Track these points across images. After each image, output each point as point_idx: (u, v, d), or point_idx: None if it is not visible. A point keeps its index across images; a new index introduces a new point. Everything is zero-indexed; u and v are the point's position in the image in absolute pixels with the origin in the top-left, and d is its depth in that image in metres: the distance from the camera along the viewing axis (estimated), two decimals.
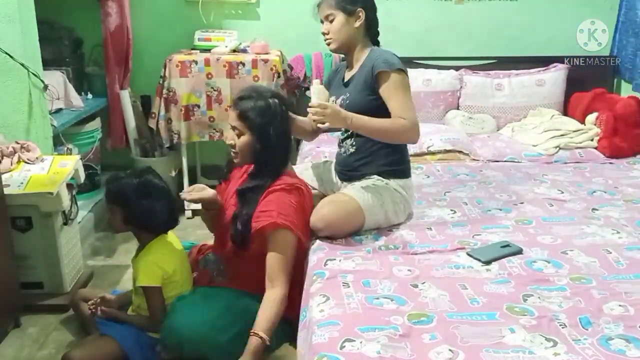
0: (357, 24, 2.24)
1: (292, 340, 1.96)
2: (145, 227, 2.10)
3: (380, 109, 2.15)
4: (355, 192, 2.18)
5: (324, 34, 2.29)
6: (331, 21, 2.24)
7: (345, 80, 2.33)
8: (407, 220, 2.28)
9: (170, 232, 2.17)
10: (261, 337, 1.87)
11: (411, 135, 2.16)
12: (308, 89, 3.59)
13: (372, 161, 2.26)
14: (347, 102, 2.26)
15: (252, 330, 1.89)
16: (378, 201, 2.16)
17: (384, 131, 2.14)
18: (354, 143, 2.29)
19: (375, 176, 2.25)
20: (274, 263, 1.96)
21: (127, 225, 2.10)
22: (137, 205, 2.04)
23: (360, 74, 2.25)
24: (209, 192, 2.15)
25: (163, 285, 2.07)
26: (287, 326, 2.03)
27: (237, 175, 2.24)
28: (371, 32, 2.31)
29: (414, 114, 2.14)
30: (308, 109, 2.08)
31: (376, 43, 2.34)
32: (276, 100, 2.07)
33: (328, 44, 2.29)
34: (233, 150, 2.09)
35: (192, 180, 3.48)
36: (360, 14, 2.23)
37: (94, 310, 2.14)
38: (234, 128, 2.06)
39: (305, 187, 2.15)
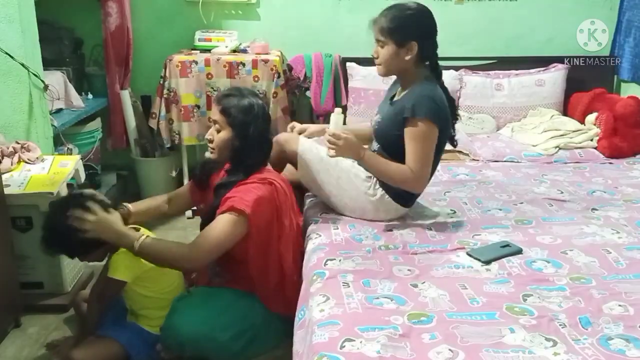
0: (408, 56, 2.12)
1: (288, 337, 1.96)
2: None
3: (403, 147, 2.12)
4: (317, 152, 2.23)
5: (372, 56, 2.20)
6: (382, 46, 2.15)
7: (394, 99, 2.26)
8: (406, 220, 2.29)
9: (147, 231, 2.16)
10: (139, 240, 1.86)
11: (412, 187, 2.17)
12: (308, 89, 3.60)
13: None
14: (377, 127, 2.25)
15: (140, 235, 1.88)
16: (327, 174, 2.21)
17: (389, 177, 2.14)
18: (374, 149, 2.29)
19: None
20: (208, 229, 1.93)
21: (98, 249, 2.04)
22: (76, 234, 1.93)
23: (399, 105, 2.17)
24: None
25: (146, 283, 2.06)
26: (282, 323, 2.04)
27: (216, 178, 2.22)
28: (427, 62, 2.19)
29: (424, 167, 2.10)
30: (325, 137, 2.07)
31: (436, 70, 2.20)
32: (259, 101, 2.07)
33: (377, 68, 2.22)
34: (210, 145, 2.09)
35: None
36: (413, 46, 2.11)
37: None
38: (214, 122, 2.07)
39: (282, 182, 2.12)
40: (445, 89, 2.22)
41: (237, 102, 2.03)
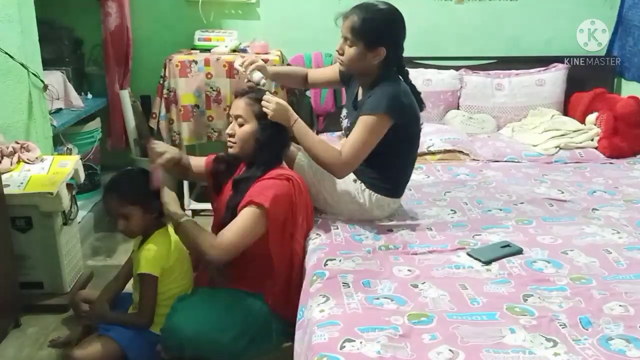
0: (375, 60, 2.11)
1: (289, 338, 1.96)
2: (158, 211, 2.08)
3: (378, 145, 2.10)
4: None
5: (337, 51, 2.17)
6: (350, 45, 2.11)
7: (358, 100, 2.28)
8: (406, 220, 2.29)
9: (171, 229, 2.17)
10: (180, 215, 1.95)
11: (335, 171, 2.11)
12: (308, 88, 3.58)
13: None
14: (347, 133, 2.27)
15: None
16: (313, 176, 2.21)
17: (315, 153, 2.10)
18: None
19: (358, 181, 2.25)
20: (232, 224, 1.97)
21: (147, 219, 2.07)
22: (149, 193, 2.03)
23: (363, 105, 2.16)
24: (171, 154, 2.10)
25: (161, 278, 2.07)
26: (283, 324, 2.04)
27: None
28: (392, 67, 2.17)
29: (355, 157, 2.06)
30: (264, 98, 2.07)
31: (401, 71, 2.20)
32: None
33: (339, 62, 2.21)
34: (231, 140, 2.11)
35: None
36: (382, 52, 2.10)
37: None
38: (237, 117, 2.09)
39: (298, 180, 2.13)
40: (412, 86, 2.22)
41: (261, 94, 2.09)
